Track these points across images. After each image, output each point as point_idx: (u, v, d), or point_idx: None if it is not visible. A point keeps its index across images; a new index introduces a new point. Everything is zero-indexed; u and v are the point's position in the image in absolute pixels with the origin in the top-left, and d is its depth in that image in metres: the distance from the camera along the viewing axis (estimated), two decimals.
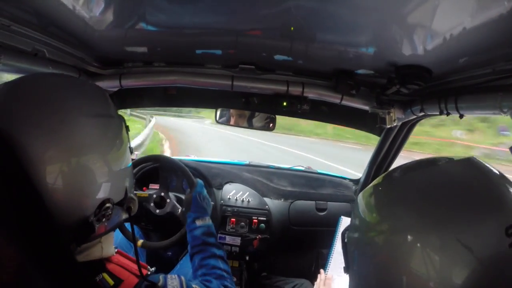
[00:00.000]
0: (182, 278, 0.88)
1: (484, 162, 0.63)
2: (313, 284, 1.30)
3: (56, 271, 0.58)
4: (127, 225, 1.73)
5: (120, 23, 0.96)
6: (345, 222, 1.33)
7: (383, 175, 0.71)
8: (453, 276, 0.52)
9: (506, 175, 0.62)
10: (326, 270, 1.29)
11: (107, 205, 0.70)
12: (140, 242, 1.55)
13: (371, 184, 0.71)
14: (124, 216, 0.81)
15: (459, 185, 0.60)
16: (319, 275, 1.27)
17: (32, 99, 0.65)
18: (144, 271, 0.82)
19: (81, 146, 0.66)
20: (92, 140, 0.68)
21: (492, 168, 0.62)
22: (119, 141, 0.76)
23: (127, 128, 0.84)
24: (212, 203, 1.79)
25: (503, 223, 0.52)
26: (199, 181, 1.49)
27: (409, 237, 0.56)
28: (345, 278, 1.25)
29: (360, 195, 0.72)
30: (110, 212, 0.71)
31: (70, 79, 0.80)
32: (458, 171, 0.63)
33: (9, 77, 0.85)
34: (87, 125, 0.68)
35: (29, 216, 0.56)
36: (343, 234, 0.78)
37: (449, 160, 0.66)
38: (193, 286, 0.89)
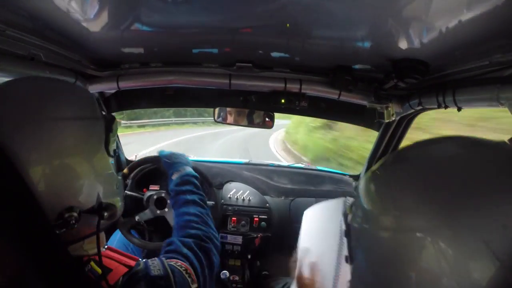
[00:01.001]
0: (162, 258, 0.88)
1: None
2: None
3: (47, 263, 0.58)
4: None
5: (115, 24, 0.96)
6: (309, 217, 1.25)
7: (392, 153, 0.65)
8: (471, 274, 0.44)
9: None
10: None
11: (70, 214, 0.67)
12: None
13: (378, 164, 0.63)
14: (104, 222, 0.78)
15: (488, 170, 0.48)
16: None
17: (13, 102, 0.66)
18: (134, 263, 0.82)
19: (54, 150, 0.66)
20: (56, 145, 0.67)
21: None
22: (88, 145, 0.74)
23: (110, 129, 0.81)
24: (213, 202, 1.80)
25: None
26: (159, 150, 1.53)
27: (419, 230, 0.48)
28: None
29: (362, 178, 0.65)
30: (74, 221, 0.68)
31: (52, 81, 0.79)
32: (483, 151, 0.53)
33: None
34: (52, 127, 0.67)
35: (20, 210, 0.57)
36: (346, 221, 0.70)
37: (477, 140, 0.55)
38: (166, 261, 0.86)
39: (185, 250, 0.94)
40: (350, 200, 0.73)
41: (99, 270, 0.73)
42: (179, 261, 0.89)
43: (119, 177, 0.87)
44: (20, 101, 0.67)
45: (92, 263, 0.74)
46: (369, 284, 0.60)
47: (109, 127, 0.80)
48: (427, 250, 0.46)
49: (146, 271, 0.79)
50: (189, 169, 1.34)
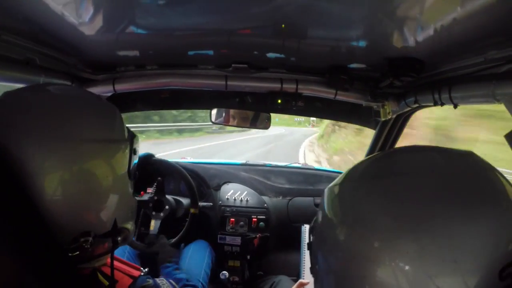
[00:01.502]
0: (173, 282, 0.89)
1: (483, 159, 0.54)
2: (290, 279, 1.27)
3: (51, 272, 0.58)
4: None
5: (110, 27, 0.95)
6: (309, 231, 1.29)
7: (355, 164, 0.64)
8: None
9: None
10: (302, 276, 1.27)
11: (85, 238, 0.65)
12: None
13: (341, 176, 0.63)
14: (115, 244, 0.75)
15: (454, 181, 0.48)
16: (298, 283, 1.25)
17: (37, 114, 0.62)
18: (137, 272, 0.82)
19: (72, 172, 0.63)
20: (85, 167, 0.65)
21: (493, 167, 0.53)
22: (114, 169, 0.71)
23: (134, 151, 0.78)
24: (211, 204, 1.80)
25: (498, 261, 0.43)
26: None
27: (376, 243, 0.46)
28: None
29: (327, 189, 0.64)
30: (89, 246, 0.65)
31: (76, 95, 0.75)
32: (454, 163, 0.53)
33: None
34: (77, 150, 0.64)
35: (24, 225, 0.56)
36: (310, 231, 0.71)
37: (445, 150, 0.56)
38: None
39: None
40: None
41: (106, 282, 0.72)
42: None
43: (136, 199, 0.84)
44: (50, 116, 0.63)
45: (99, 274, 0.72)
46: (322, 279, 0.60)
47: (133, 149, 0.78)
48: (384, 265, 0.45)
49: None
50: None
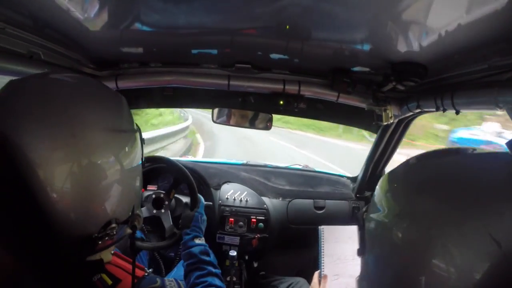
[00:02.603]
0: (181, 283, 0.88)
1: None
2: (309, 283, 1.30)
3: (53, 272, 0.58)
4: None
5: (115, 24, 0.96)
6: (326, 231, 1.35)
7: (408, 159, 0.68)
8: (475, 272, 0.47)
9: None
10: (321, 271, 1.29)
11: (113, 225, 0.68)
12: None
13: (396, 167, 0.68)
14: (128, 231, 0.78)
15: (491, 176, 0.54)
16: (315, 274, 1.28)
17: (42, 104, 0.61)
18: (141, 272, 0.82)
19: (92, 164, 0.63)
20: (104, 158, 0.65)
21: None
22: (130, 160, 0.72)
23: (142, 140, 0.80)
24: (210, 203, 1.79)
25: None
26: (202, 199, 1.51)
27: (431, 227, 0.52)
28: (341, 279, 1.27)
29: (383, 178, 0.69)
30: (115, 232, 0.69)
31: (85, 81, 0.74)
32: (491, 162, 0.59)
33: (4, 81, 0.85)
34: (100, 141, 0.64)
35: (27, 223, 0.56)
36: (361, 215, 0.74)
37: (479, 150, 0.62)
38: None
39: None
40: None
41: (109, 281, 0.73)
42: None
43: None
44: (70, 107, 0.63)
45: (103, 274, 0.73)
46: (375, 275, 0.65)
47: (142, 138, 0.80)
48: (436, 246, 0.50)
49: None
50: (204, 241, 1.36)
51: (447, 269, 0.49)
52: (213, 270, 1.18)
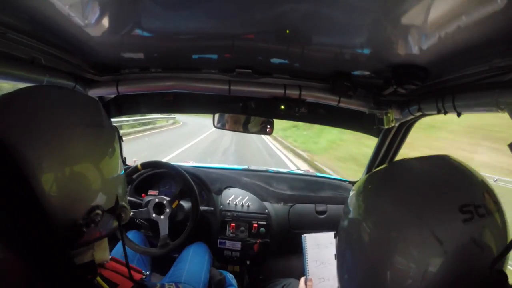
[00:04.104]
0: (180, 286, 0.88)
1: (456, 159, 0.69)
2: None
3: (53, 273, 0.58)
4: (132, 234, 1.74)
5: (116, 29, 0.96)
6: (308, 239, 1.42)
7: (373, 171, 0.75)
8: (427, 266, 0.56)
9: None
10: (307, 276, 1.34)
11: (97, 211, 0.70)
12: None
13: (362, 178, 0.75)
14: (115, 223, 0.80)
15: (433, 180, 0.63)
16: (301, 279, 1.31)
17: (26, 111, 0.66)
18: (139, 276, 0.82)
19: (74, 154, 0.67)
20: (85, 149, 0.69)
21: (463, 164, 0.67)
22: (111, 150, 0.76)
23: (120, 138, 0.85)
24: (212, 208, 1.79)
25: (458, 202, 0.57)
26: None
27: (392, 230, 0.60)
28: (325, 281, 1.30)
29: (353, 188, 0.76)
30: (99, 219, 0.71)
31: (63, 90, 0.81)
32: (432, 167, 0.68)
33: (5, 85, 0.85)
34: (80, 134, 0.69)
35: (27, 221, 0.56)
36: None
37: (426, 157, 0.70)
38: None
39: None
40: None
41: (106, 286, 0.73)
42: None
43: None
44: (41, 109, 0.67)
45: (98, 278, 0.74)
46: (351, 275, 0.71)
47: (120, 136, 0.85)
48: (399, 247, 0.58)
49: None
50: None
51: (407, 264, 0.57)
52: None
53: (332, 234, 1.38)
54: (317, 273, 1.34)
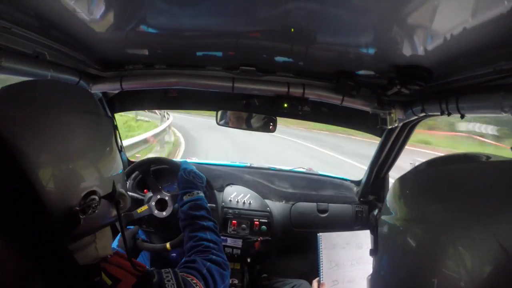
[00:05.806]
0: (175, 269, 0.88)
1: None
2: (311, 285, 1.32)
3: (55, 272, 0.58)
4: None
5: (121, 25, 0.96)
6: (324, 238, 1.37)
7: (423, 163, 0.69)
8: (484, 277, 0.49)
9: None
10: (321, 278, 1.31)
11: (92, 196, 0.70)
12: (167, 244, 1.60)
13: (407, 172, 0.70)
14: (114, 213, 0.79)
15: (501, 184, 0.55)
16: (313, 282, 1.29)
17: (22, 103, 0.67)
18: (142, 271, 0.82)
19: (68, 140, 0.67)
20: (79, 135, 0.70)
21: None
22: (106, 136, 0.76)
23: (115, 127, 0.84)
24: (213, 205, 1.79)
25: None
26: (182, 160, 1.50)
27: (443, 232, 0.54)
28: (340, 284, 1.28)
29: (395, 183, 0.70)
30: (96, 204, 0.70)
31: (57, 83, 0.81)
32: (501, 171, 0.59)
33: (9, 79, 0.86)
34: (73, 121, 0.69)
35: (28, 216, 0.57)
36: (374, 217, 0.76)
37: (491, 158, 0.62)
38: (180, 275, 0.87)
39: (204, 271, 0.96)
40: None
41: (109, 281, 0.73)
42: (195, 278, 0.90)
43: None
44: (41, 100, 0.68)
45: (102, 273, 0.73)
46: (388, 275, 0.67)
47: (115, 125, 0.84)
48: (447, 251, 0.52)
49: (160, 285, 0.80)
50: (201, 194, 1.35)
51: (458, 272, 0.51)
52: (205, 223, 1.19)
53: (348, 233, 1.37)
54: (331, 275, 1.31)
